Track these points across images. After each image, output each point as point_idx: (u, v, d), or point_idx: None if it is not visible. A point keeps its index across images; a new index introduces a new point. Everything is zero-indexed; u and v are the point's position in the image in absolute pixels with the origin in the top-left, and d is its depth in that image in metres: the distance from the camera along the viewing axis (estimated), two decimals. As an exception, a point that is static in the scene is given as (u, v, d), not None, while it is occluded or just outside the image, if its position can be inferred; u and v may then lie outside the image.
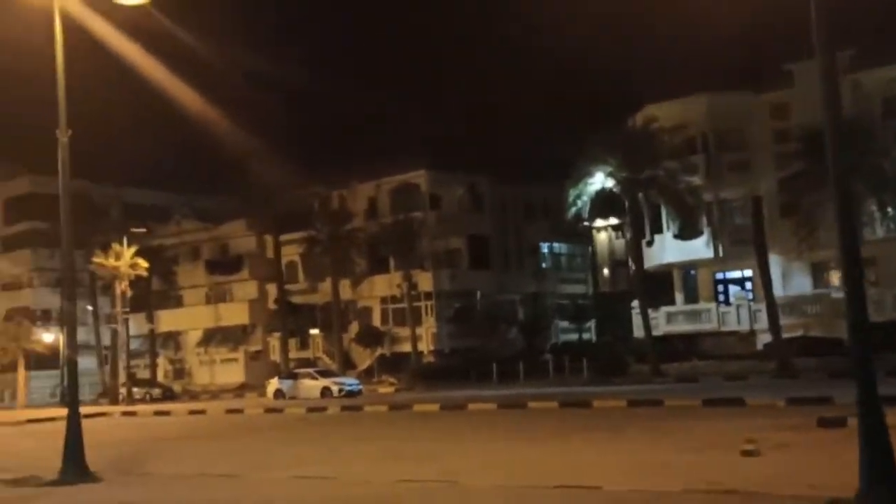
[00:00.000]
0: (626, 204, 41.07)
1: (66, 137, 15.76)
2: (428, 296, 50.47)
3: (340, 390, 37.39)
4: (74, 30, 15.95)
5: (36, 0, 15.56)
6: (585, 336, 56.53)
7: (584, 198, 40.76)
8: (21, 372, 50.00)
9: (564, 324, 57.81)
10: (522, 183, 56.28)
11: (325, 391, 37.64)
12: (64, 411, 39.08)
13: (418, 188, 52.41)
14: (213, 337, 59.61)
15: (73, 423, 15.14)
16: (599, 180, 40.64)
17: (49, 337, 54.11)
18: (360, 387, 39.17)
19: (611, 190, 41.10)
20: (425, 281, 50.22)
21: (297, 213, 52.64)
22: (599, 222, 54.04)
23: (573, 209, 41.21)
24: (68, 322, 15.90)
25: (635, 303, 42.44)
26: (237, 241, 60.23)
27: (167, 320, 60.19)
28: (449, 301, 51.61)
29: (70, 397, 15.67)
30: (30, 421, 34.77)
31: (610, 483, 11.59)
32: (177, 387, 54.28)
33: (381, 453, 17.05)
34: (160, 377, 57.65)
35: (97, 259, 47.10)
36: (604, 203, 42.58)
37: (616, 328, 48.95)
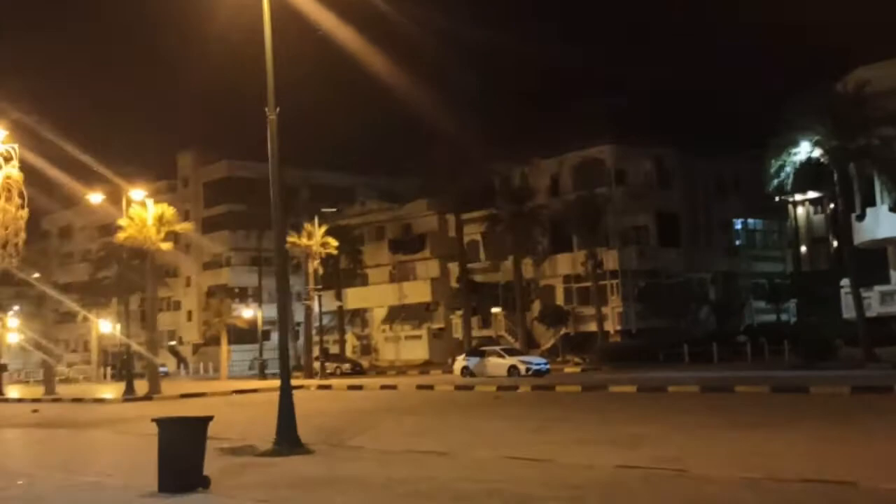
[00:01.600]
0: (835, 175, 37.89)
1: (274, 114, 15.96)
2: (613, 274, 48.96)
3: (528, 369, 36.88)
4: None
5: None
6: (783, 317, 53.16)
7: (787, 169, 37.89)
8: (224, 346, 52.89)
9: (759, 304, 54.63)
10: (712, 156, 53.44)
11: (512, 370, 37.26)
12: (263, 383, 41.03)
13: (602, 163, 50.83)
14: (398, 314, 60.79)
15: (286, 396, 15.37)
16: (805, 150, 37.67)
17: (248, 313, 56.93)
18: (548, 366, 38.50)
19: (817, 160, 38.03)
20: (611, 259, 48.73)
21: (478, 192, 52.48)
22: (800, 196, 50.63)
23: (775, 182, 38.41)
24: (280, 302, 16.24)
25: (844, 282, 39.19)
26: (419, 221, 61.00)
27: (354, 298, 61.91)
28: (635, 280, 49.90)
29: (282, 373, 15.95)
30: (235, 392, 36.57)
31: (866, 478, 10.32)
32: (364, 362, 55.74)
33: (588, 436, 16.34)
34: (348, 353, 59.45)
35: (290, 238, 48.91)
36: (807, 175, 39.57)
37: (820, 309, 45.61)
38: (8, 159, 25.81)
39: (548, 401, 25.68)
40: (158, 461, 11.26)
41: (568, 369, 42.26)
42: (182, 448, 11.35)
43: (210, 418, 11.71)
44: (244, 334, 57.03)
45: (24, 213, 26.28)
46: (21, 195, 26.16)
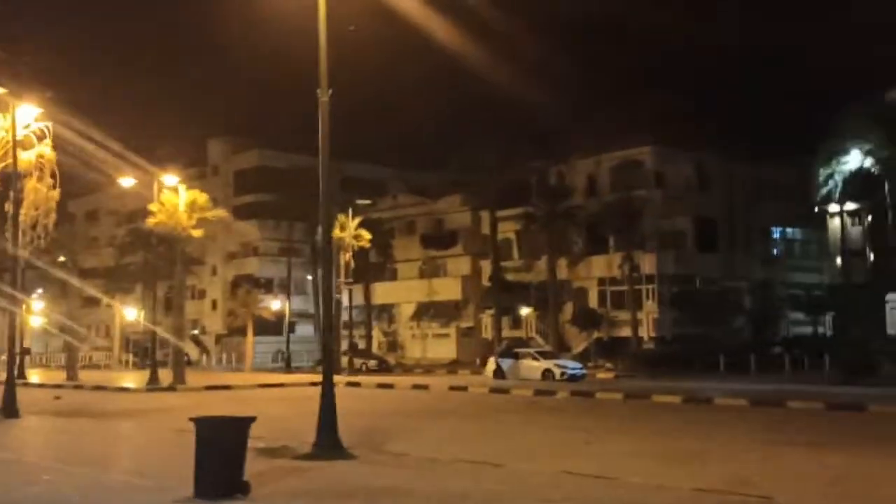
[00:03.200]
0: (886, 186, 36.69)
1: (326, 97, 15.02)
2: (649, 279, 47.73)
3: (563, 373, 35.77)
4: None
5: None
6: (820, 330, 51.69)
7: (837, 178, 36.76)
8: (250, 337, 52.17)
9: (796, 315, 53.18)
10: (752, 161, 52.04)
11: (547, 373, 36.16)
12: (289, 377, 40.08)
13: (642, 165, 49.63)
14: (426, 311, 59.85)
15: (328, 396, 14.42)
16: (855, 159, 36.48)
17: (276, 304, 56.19)
18: (584, 371, 37.39)
19: (867, 170, 36.84)
20: (647, 263, 47.50)
21: (513, 189, 51.48)
22: (836, 207, 49.16)
23: (823, 190, 37.29)
24: (325, 294, 15.43)
25: (891, 296, 37.91)
26: (452, 217, 60.03)
27: (382, 293, 61.05)
28: (671, 285, 48.64)
29: (325, 370, 14.99)
30: (261, 385, 35.77)
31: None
32: (390, 359, 54.82)
33: (644, 449, 15.32)
34: (373, 349, 58.61)
35: (323, 229, 48.13)
36: (856, 184, 38.34)
37: (858, 323, 44.15)
38: (41, 138, 25.18)
39: (590, 408, 24.63)
40: (196, 464, 10.36)
41: (601, 375, 41.16)
42: (221, 451, 10.44)
43: (253, 419, 10.79)
44: (267, 326, 56.32)
45: (56, 193, 25.63)
46: (53, 175, 25.52)
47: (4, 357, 35.42)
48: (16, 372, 25.33)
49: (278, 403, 26.10)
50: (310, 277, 62.70)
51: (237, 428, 10.65)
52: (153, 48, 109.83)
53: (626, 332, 47.02)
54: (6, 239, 24.06)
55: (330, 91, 14.97)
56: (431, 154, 69.38)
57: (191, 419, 10.58)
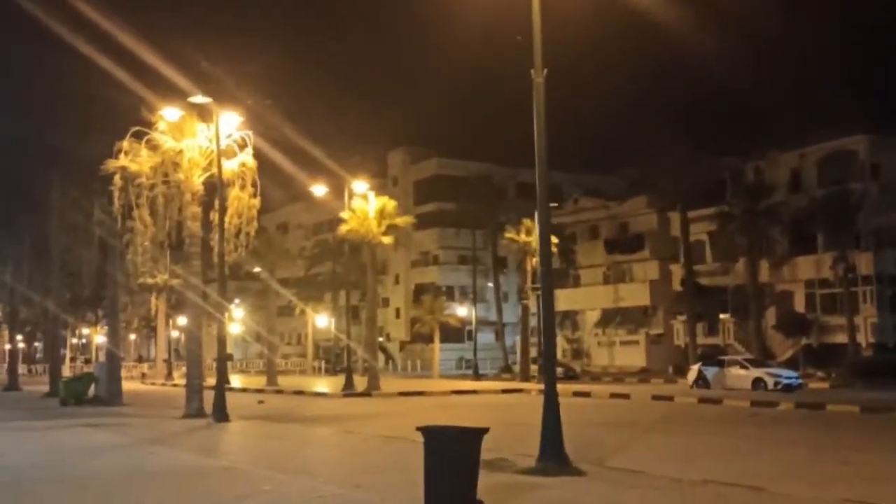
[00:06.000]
0: None
1: (541, 78, 13.83)
2: (866, 280, 43.36)
3: (776, 383, 32.80)
4: None
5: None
6: None
7: None
8: (436, 344, 52.14)
9: None
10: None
11: (758, 383, 33.29)
12: (479, 384, 39.28)
13: (855, 156, 45.25)
14: (612, 318, 57.65)
15: (551, 407, 13.20)
16: None
17: (462, 311, 55.98)
18: (800, 380, 34.23)
19: None
20: (863, 263, 43.18)
21: (703, 189, 48.49)
22: None
23: None
24: (545, 299, 14.21)
25: None
26: (637, 219, 57.55)
27: (565, 299, 59.30)
28: (891, 287, 44.02)
29: (546, 379, 13.81)
30: (454, 392, 35.17)
31: None
32: (576, 367, 53.12)
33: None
34: (558, 356, 57.07)
35: (508, 234, 47.46)
36: None
37: None
38: (242, 147, 25.52)
39: (824, 422, 21.99)
40: (426, 478, 9.39)
41: (813, 384, 37.68)
42: (454, 465, 9.41)
43: (485, 430, 9.66)
44: (448, 333, 56.22)
45: (257, 202, 25.84)
46: (254, 184, 25.79)
47: (210, 362, 36.87)
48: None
49: (475, 410, 25.26)
50: (490, 284, 62.13)
51: (470, 440, 9.54)
52: (342, 60, 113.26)
53: (838, 338, 42.96)
54: (212, 248, 24.43)
55: (545, 71, 13.76)
56: (604, 157, 67.10)
57: (418, 429, 9.60)
